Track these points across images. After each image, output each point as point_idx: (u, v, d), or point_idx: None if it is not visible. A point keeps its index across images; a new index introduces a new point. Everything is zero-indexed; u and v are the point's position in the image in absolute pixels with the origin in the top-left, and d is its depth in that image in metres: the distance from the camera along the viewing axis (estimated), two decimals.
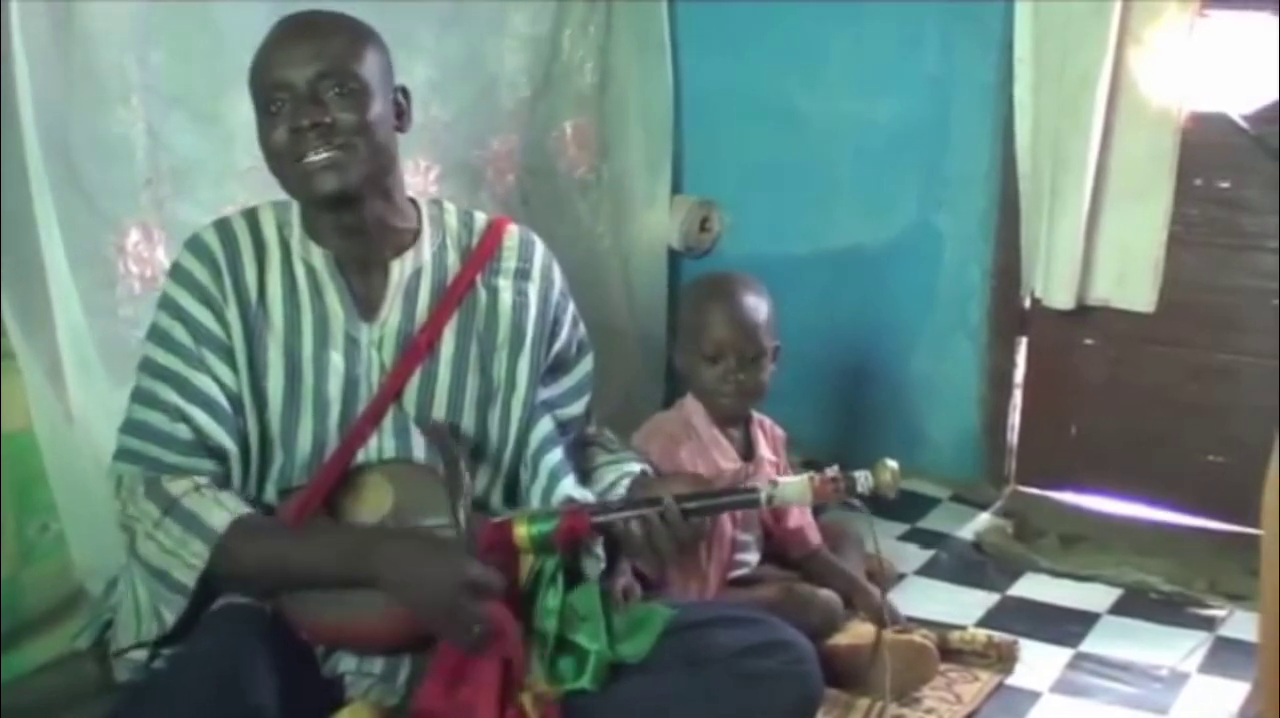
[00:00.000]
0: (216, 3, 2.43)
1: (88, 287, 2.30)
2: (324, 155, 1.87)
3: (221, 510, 1.83)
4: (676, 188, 3.65)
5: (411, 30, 2.92)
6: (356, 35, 1.95)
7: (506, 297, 2.06)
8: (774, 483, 2.01)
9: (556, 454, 2.08)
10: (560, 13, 3.27)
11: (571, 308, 2.16)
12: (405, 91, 2.03)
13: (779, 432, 2.76)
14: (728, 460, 2.58)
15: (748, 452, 2.64)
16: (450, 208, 2.11)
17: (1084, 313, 3.23)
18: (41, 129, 2.19)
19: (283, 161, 1.91)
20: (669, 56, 3.54)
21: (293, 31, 1.93)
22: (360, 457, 1.95)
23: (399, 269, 2.00)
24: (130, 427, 1.91)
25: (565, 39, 3.31)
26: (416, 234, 2.04)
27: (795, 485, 1.99)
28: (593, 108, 3.43)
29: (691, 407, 2.62)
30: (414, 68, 2.92)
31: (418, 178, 3.03)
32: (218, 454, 1.90)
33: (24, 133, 2.15)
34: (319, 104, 1.88)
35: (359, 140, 1.90)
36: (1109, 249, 3.16)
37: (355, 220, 1.96)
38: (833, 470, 1.99)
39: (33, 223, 2.18)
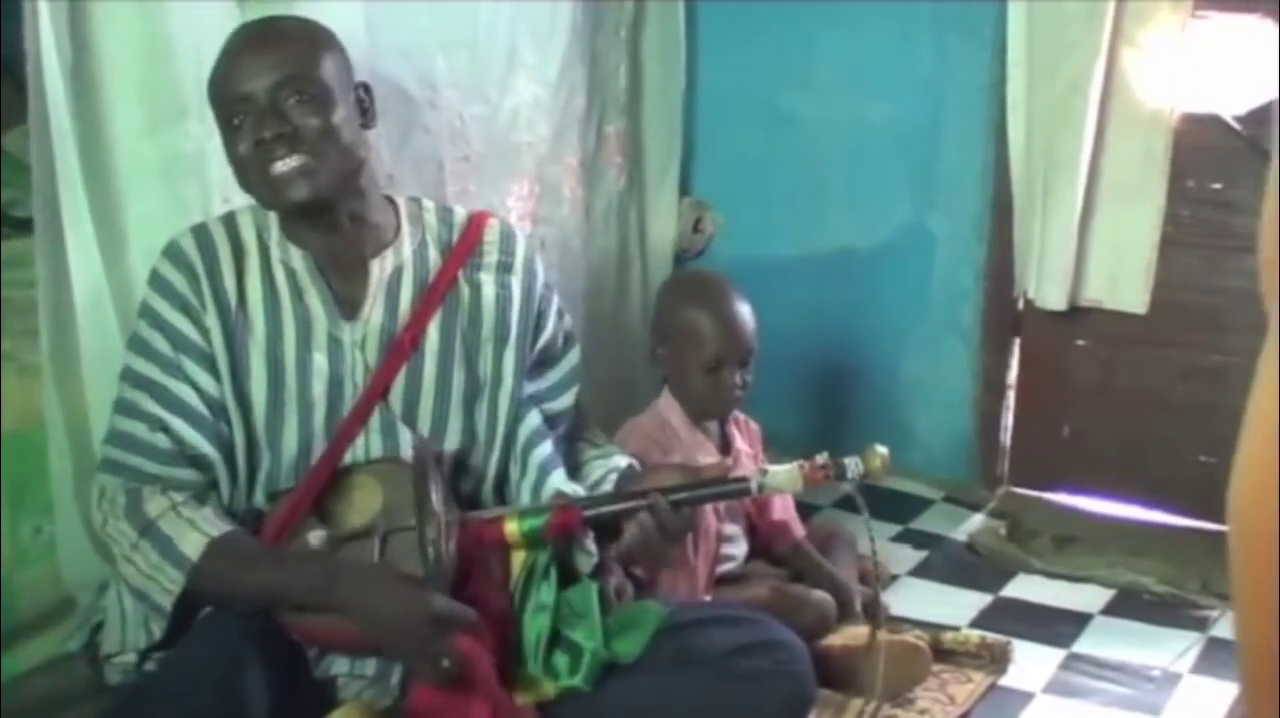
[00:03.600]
0: (306, 11, 2.40)
1: (127, 306, 2.25)
2: (291, 164, 1.88)
3: (196, 534, 1.82)
4: (684, 191, 3.64)
5: (517, 47, 2.93)
6: (312, 40, 1.96)
7: (490, 291, 2.06)
8: (764, 471, 2.01)
9: (545, 448, 2.08)
10: (597, 15, 3.25)
11: (556, 300, 2.16)
12: (367, 88, 2.04)
13: (754, 425, 2.77)
14: (707, 456, 2.58)
15: (725, 446, 2.65)
16: (429, 205, 2.12)
17: (1076, 314, 3.23)
18: (83, 147, 2.14)
19: (249, 174, 1.91)
20: (683, 59, 3.53)
21: (247, 43, 1.94)
22: (348, 457, 1.95)
23: (379, 268, 2.00)
24: (113, 437, 1.92)
25: (599, 42, 3.28)
26: (396, 232, 2.04)
27: (785, 473, 1.99)
28: (624, 112, 3.41)
29: (667, 407, 2.62)
30: (518, 84, 2.94)
31: (521, 203, 3.02)
32: (199, 463, 1.89)
33: (54, 146, 2.09)
34: (279, 114, 1.89)
35: (325, 145, 1.90)
36: (1101, 250, 3.16)
37: (331, 222, 1.97)
38: (822, 458, 1.99)
39: (60, 234, 2.15)
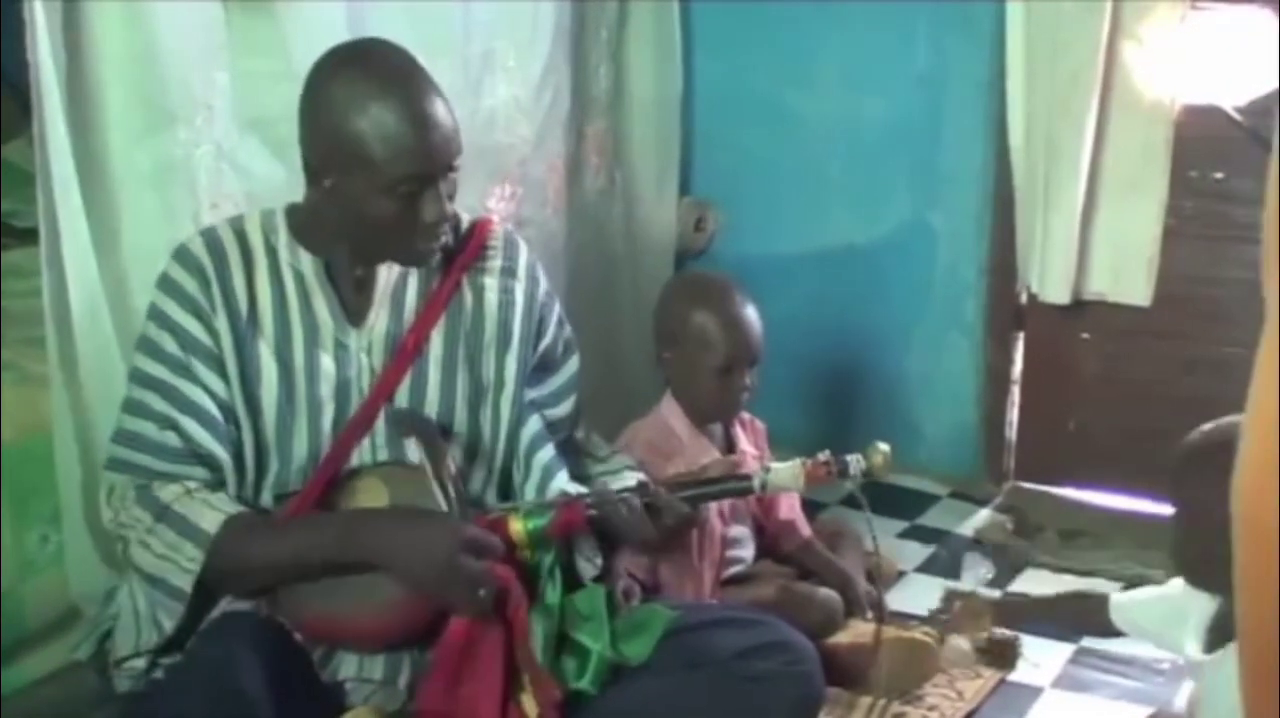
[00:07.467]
0: (289, 14, 2.38)
1: (122, 313, 2.26)
2: (441, 240, 1.94)
3: (212, 512, 1.83)
4: (684, 190, 3.64)
5: (494, 49, 2.92)
6: (447, 102, 1.93)
7: (492, 296, 2.06)
8: (767, 469, 2.03)
9: (549, 451, 2.09)
10: (580, 15, 3.24)
11: (557, 308, 2.16)
12: None
13: (759, 424, 2.76)
14: (710, 458, 2.58)
15: (728, 448, 2.64)
16: None
17: (1080, 307, 3.23)
18: (79, 150, 2.14)
19: (396, 231, 1.89)
20: (679, 59, 3.52)
21: (421, 118, 1.86)
22: (354, 460, 1.95)
23: (386, 273, 2.00)
24: (121, 437, 1.91)
25: (583, 43, 3.27)
26: None
27: (787, 470, 2.00)
28: (606, 113, 3.40)
29: (669, 411, 2.61)
30: (497, 87, 2.93)
31: (503, 204, 3.00)
32: (209, 462, 1.89)
33: (49, 149, 2.09)
34: (444, 191, 1.90)
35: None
36: (1104, 243, 3.16)
37: None
38: (824, 455, 2.00)
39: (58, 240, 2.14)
